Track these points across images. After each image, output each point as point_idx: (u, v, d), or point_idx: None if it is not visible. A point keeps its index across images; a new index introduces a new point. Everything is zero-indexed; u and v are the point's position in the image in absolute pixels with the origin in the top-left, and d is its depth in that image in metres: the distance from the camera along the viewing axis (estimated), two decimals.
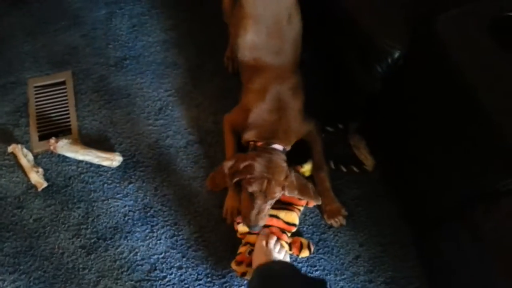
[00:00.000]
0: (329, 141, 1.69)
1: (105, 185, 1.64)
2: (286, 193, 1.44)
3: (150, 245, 1.54)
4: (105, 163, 1.64)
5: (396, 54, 1.27)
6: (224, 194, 1.56)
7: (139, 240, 1.55)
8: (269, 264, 1.35)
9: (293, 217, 1.52)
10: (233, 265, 1.47)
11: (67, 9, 2.00)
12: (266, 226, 1.49)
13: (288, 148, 1.55)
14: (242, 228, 1.49)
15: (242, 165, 1.42)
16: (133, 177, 1.66)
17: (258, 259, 1.40)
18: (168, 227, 1.57)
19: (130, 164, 1.68)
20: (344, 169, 1.65)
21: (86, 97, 1.80)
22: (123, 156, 1.67)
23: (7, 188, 1.62)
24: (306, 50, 1.69)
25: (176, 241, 1.55)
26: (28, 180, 1.62)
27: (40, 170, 1.63)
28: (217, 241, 1.54)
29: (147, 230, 1.57)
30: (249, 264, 1.44)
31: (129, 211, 1.60)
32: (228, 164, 1.46)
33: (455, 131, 1.20)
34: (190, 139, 1.73)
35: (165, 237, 1.56)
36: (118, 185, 1.64)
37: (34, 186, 1.61)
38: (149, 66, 1.88)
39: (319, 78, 1.81)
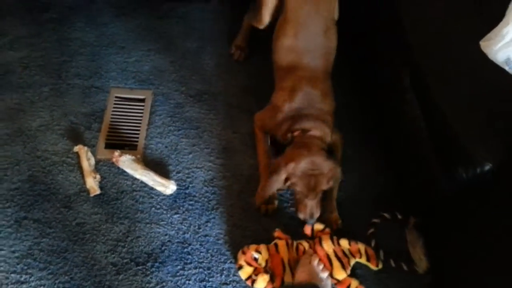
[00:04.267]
0: (384, 228, 1.63)
1: (153, 208, 1.63)
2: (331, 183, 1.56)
3: (178, 283, 1.50)
4: (159, 188, 1.65)
5: (487, 167, 1.21)
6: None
7: (169, 274, 1.51)
8: (312, 284, 1.40)
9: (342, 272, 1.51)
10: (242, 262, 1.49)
11: (163, 34, 2.10)
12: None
13: (328, 138, 1.63)
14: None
15: (285, 172, 1.51)
16: (181, 208, 1.65)
17: (301, 276, 1.45)
18: (200, 270, 1.53)
19: (181, 194, 1.68)
20: (393, 264, 1.56)
21: (160, 119, 1.85)
22: (177, 185, 1.68)
23: (61, 185, 1.66)
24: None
25: (205, 286, 1.50)
26: (84, 183, 1.64)
27: (98, 176, 1.66)
28: None
29: (179, 267, 1.53)
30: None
31: (168, 241, 1.57)
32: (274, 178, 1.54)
33: None
34: (245, 187, 1.71)
35: (195, 280, 1.51)
36: (165, 212, 1.63)
37: (87, 190, 1.63)
38: (224, 105, 1.91)
39: (385, 158, 1.79)
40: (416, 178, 1.59)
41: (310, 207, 1.53)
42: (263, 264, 1.49)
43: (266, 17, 1.82)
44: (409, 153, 1.62)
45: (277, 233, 1.57)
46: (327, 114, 1.66)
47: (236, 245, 1.57)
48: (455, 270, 1.42)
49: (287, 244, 1.54)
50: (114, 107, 1.85)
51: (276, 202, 1.66)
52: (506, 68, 1.32)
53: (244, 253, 1.50)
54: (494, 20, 1.35)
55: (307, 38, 1.68)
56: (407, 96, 1.55)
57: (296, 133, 1.60)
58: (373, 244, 1.59)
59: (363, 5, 1.85)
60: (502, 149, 1.23)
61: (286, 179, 1.52)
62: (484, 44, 1.34)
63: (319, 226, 1.60)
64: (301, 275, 1.45)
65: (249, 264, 1.48)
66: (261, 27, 1.87)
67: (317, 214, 1.55)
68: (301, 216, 1.55)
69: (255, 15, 1.88)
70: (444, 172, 1.32)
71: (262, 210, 1.64)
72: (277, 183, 1.54)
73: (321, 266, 1.48)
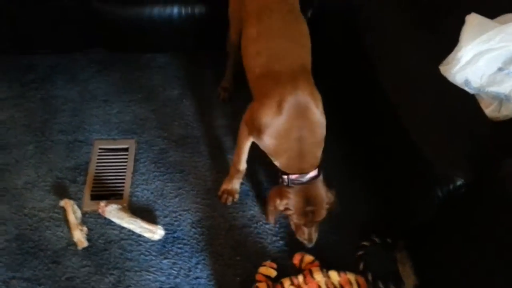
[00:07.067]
0: (374, 252, 1.64)
1: (142, 256, 1.63)
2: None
3: None
4: (147, 234, 1.66)
5: (459, 183, 1.25)
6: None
7: None
8: None
9: None
10: None
11: (144, 84, 2.18)
12: None
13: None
14: None
15: (281, 206, 1.50)
16: (170, 252, 1.65)
17: None
18: None
19: (170, 239, 1.68)
20: (382, 286, 1.56)
21: (144, 166, 1.88)
22: (165, 229, 1.68)
23: (49, 241, 1.66)
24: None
25: None
26: (71, 236, 1.65)
27: (85, 229, 1.66)
28: None
29: None
30: None
31: (159, 287, 1.56)
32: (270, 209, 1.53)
33: None
34: (232, 224, 1.73)
35: None
36: (154, 258, 1.63)
37: (74, 244, 1.64)
38: (207, 147, 1.96)
39: (369, 186, 1.82)
40: (398, 204, 1.61)
41: (309, 232, 1.54)
42: None
43: (234, 35, 1.86)
44: (389, 181, 1.65)
45: (258, 276, 1.56)
46: (320, 115, 1.47)
47: (227, 285, 1.57)
48: (443, 287, 1.43)
49: (267, 286, 1.52)
50: (98, 159, 1.89)
51: (237, 196, 1.78)
52: (466, 88, 1.40)
53: None
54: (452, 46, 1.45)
55: (279, 37, 1.53)
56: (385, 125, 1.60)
57: (294, 177, 1.49)
58: (361, 266, 1.60)
59: None
60: (471, 164, 1.28)
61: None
62: (443, 69, 1.43)
63: (308, 258, 1.60)
64: None
65: None
66: (233, 46, 1.91)
67: (315, 238, 1.56)
68: (300, 239, 1.57)
69: (229, 39, 1.94)
70: (420, 194, 1.36)
71: (223, 199, 1.77)
72: (274, 214, 1.54)
73: None
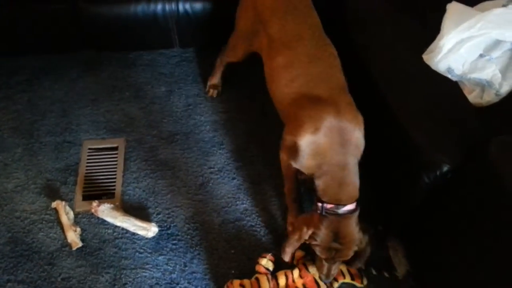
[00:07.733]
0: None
1: (137, 253, 1.64)
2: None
3: None
4: (141, 232, 1.67)
5: (445, 168, 1.28)
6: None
7: None
8: None
9: None
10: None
11: (132, 83, 2.17)
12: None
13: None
14: None
15: (306, 235, 1.39)
16: (165, 249, 1.66)
17: None
18: None
19: (164, 235, 1.70)
20: (374, 272, 1.60)
21: (135, 164, 1.88)
22: (158, 226, 1.70)
23: (43, 243, 1.66)
24: None
25: None
26: (65, 237, 1.65)
27: (78, 229, 1.67)
28: None
29: None
30: None
31: (156, 283, 1.58)
32: (294, 236, 1.43)
33: (502, 256, 1.16)
34: (225, 218, 1.75)
35: None
36: (149, 255, 1.64)
37: (68, 245, 1.64)
38: (197, 143, 1.97)
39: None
40: (387, 190, 1.64)
41: (328, 268, 1.45)
42: None
43: (240, 51, 1.83)
44: (378, 167, 1.68)
45: (259, 267, 1.57)
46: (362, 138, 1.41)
47: (223, 278, 1.59)
48: (434, 271, 1.46)
49: (267, 279, 1.54)
50: (88, 159, 1.89)
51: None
52: (449, 76, 1.43)
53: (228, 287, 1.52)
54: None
55: (308, 57, 1.47)
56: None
57: (329, 207, 1.39)
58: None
59: None
60: (458, 148, 1.30)
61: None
62: (426, 57, 1.45)
63: (300, 253, 1.61)
64: None
65: None
66: (235, 57, 1.90)
67: (333, 276, 1.47)
68: (319, 273, 1.49)
69: (230, 52, 1.91)
70: (408, 179, 1.39)
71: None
72: (295, 245, 1.46)
73: None
